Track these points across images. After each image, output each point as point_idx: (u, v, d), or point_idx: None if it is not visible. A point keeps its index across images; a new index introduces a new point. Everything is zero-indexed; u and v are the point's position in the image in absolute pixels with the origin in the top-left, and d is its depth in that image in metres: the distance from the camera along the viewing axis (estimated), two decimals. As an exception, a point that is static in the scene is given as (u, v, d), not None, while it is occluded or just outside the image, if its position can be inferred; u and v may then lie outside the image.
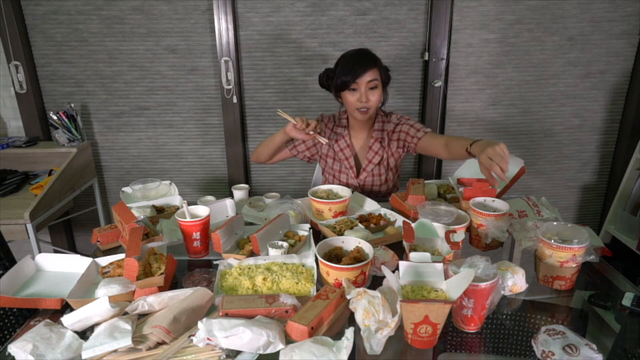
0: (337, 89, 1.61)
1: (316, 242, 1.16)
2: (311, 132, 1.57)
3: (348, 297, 0.98)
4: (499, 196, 1.48)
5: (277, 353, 0.85)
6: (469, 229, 1.28)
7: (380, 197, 1.73)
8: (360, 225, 1.35)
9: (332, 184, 1.68)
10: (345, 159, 1.73)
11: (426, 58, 2.33)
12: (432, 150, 1.60)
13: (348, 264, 1.04)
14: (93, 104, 2.45)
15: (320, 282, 1.10)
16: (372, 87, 1.57)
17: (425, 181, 1.59)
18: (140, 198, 1.58)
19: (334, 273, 1.05)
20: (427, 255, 1.02)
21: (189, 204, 1.28)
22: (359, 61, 1.56)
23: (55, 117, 2.22)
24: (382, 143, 1.70)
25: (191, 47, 2.34)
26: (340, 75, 1.57)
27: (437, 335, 0.88)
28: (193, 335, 0.87)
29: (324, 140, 1.62)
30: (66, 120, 2.23)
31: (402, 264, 0.98)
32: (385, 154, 1.70)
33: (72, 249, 2.71)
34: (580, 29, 2.33)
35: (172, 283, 1.13)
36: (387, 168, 1.72)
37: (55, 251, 2.56)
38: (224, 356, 0.85)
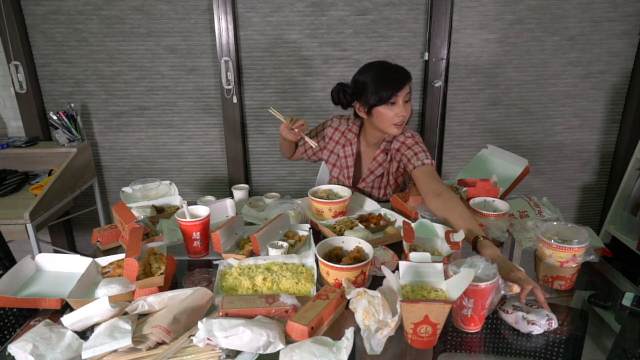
0: (372, 104, 1.49)
1: (316, 242, 1.16)
2: (299, 133, 1.56)
3: (348, 297, 0.98)
4: (503, 197, 1.48)
5: (277, 353, 0.85)
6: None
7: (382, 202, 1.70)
8: (360, 225, 1.35)
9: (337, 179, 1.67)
10: (345, 168, 1.68)
11: (426, 58, 2.33)
12: (419, 188, 1.45)
13: (348, 264, 1.04)
14: (93, 104, 2.45)
15: (320, 282, 1.10)
16: (407, 99, 1.50)
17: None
18: (140, 198, 1.58)
19: (334, 273, 1.04)
20: (427, 255, 1.02)
21: (189, 204, 1.28)
22: (395, 74, 1.48)
23: (55, 117, 2.22)
24: (387, 155, 1.62)
25: (191, 47, 2.34)
26: (377, 91, 1.46)
27: (437, 335, 0.88)
28: (193, 335, 0.87)
29: (312, 143, 1.59)
30: (66, 120, 2.23)
31: (402, 264, 0.98)
32: (386, 169, 1.64)
33: (72, 249, 2.71)
34: (580, 29, 2.33)
35: (172, 283, 1.13)
36: (388, 183, 1.66)
37: (55, 251, 2.56)
38: (224, 356, 0.85)
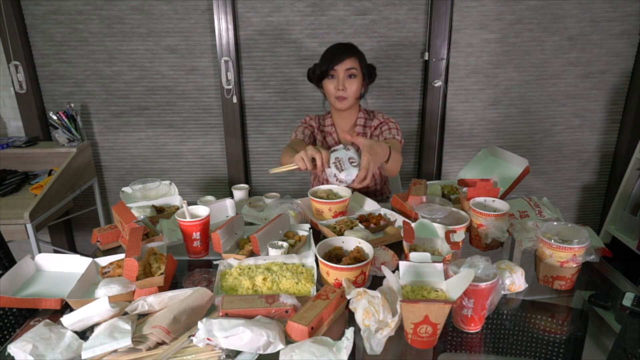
0: (318, 79, 1.65)
1: (316, 242, 1.16)
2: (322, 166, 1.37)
3: (348, 297, 0.98)
4: (503, 197, 1.48)
5: (277, 353, 0.85)
6: (469, 229, 1.28)
7: (370, 194, 1.72)
8: (360, 225, 1.35)
9: (323, 184, 1.67)
10: None
11: (426, 58, 2.33)
12: None
13: (348, 264, 1.04)
14: (93, 104, 2.45)
15: (320, 282, 1.10)
16: (350, 75, 1.59)
17: (430, 182, 1.59)
18: (140, 198, 1.58)
19: (334, 273, 1.04)
20: (427, 255, 1.02)
21: (189, 204, 1.28)
22: (338, 50, 1.61)
23: (55, 117, 2.22)
24: (365, 137, 1.68)
25: (191, 47, 2.34)
26: (320, 65, 1.62)
27: (437, 335, 0.88)
28: (193, 335, 0.87)
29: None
30: (66, 120, 2.23)
31: (402, 264, 0.98)
32: None
33: (72, 249, 2.71)
34: (580, 29, 2.33)
35: (172, 283, 1.13)
36: None
37: (55, 251, 2.56)
38: (224, 356, 0.85)
